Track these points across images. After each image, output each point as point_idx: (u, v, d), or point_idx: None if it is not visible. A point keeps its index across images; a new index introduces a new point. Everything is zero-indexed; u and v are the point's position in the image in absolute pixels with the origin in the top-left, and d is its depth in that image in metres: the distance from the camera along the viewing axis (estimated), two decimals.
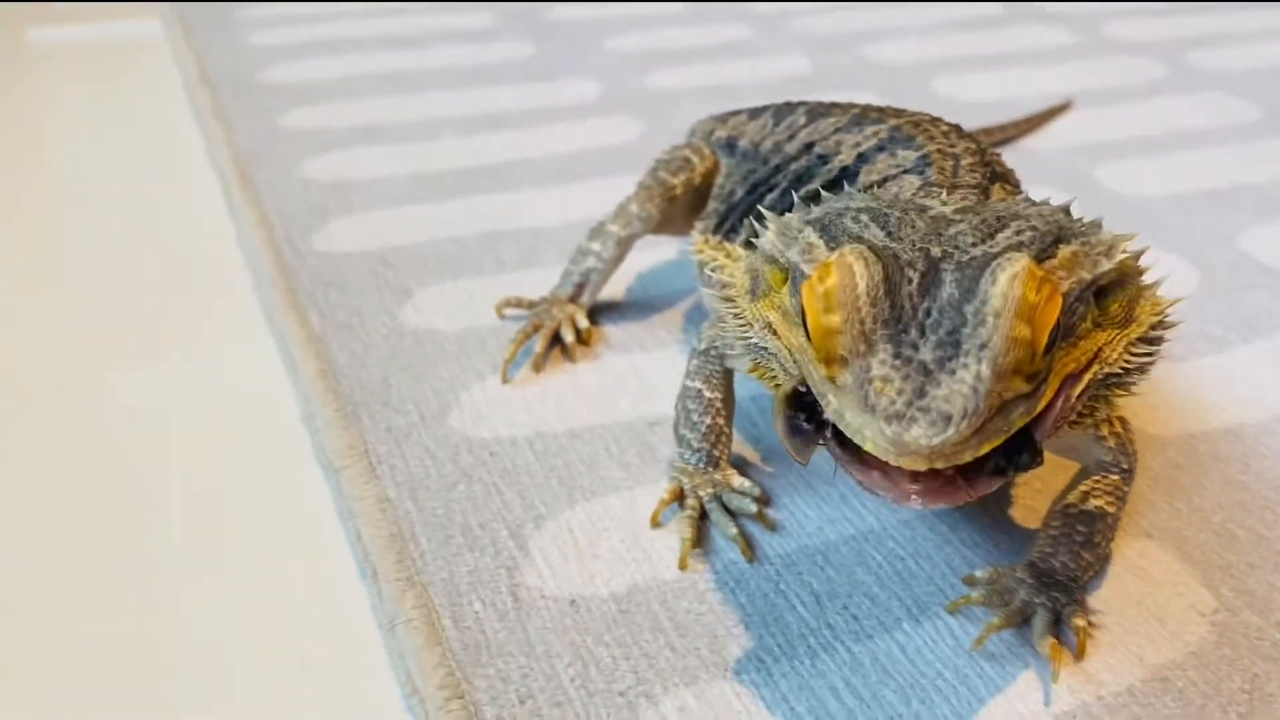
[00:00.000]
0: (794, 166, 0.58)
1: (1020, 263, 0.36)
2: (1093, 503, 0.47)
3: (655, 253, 0.75)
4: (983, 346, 0.34)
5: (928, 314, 0.35)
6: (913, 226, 0.39)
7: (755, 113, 0.67)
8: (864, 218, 0.40)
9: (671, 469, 0.54)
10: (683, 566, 0.49)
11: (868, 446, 0.35)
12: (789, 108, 0.64)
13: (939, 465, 0.34)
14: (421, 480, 0.54)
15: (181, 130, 0.99)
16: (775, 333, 0.41)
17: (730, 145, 0.66)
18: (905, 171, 0.50)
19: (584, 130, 0.97)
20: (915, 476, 0.36)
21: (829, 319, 0.36)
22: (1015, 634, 0.46)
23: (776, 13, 1.33)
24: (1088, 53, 1.20)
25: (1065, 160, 0.93)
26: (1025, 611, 0.46)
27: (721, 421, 0.53)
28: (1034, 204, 0.43)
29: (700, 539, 0.51)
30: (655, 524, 0.51)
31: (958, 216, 0.40)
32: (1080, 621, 0.45)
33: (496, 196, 0.85)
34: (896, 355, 0.35)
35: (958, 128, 0.55)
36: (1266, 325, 0.69)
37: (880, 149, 0.53)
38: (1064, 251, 0.38)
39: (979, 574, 0.48)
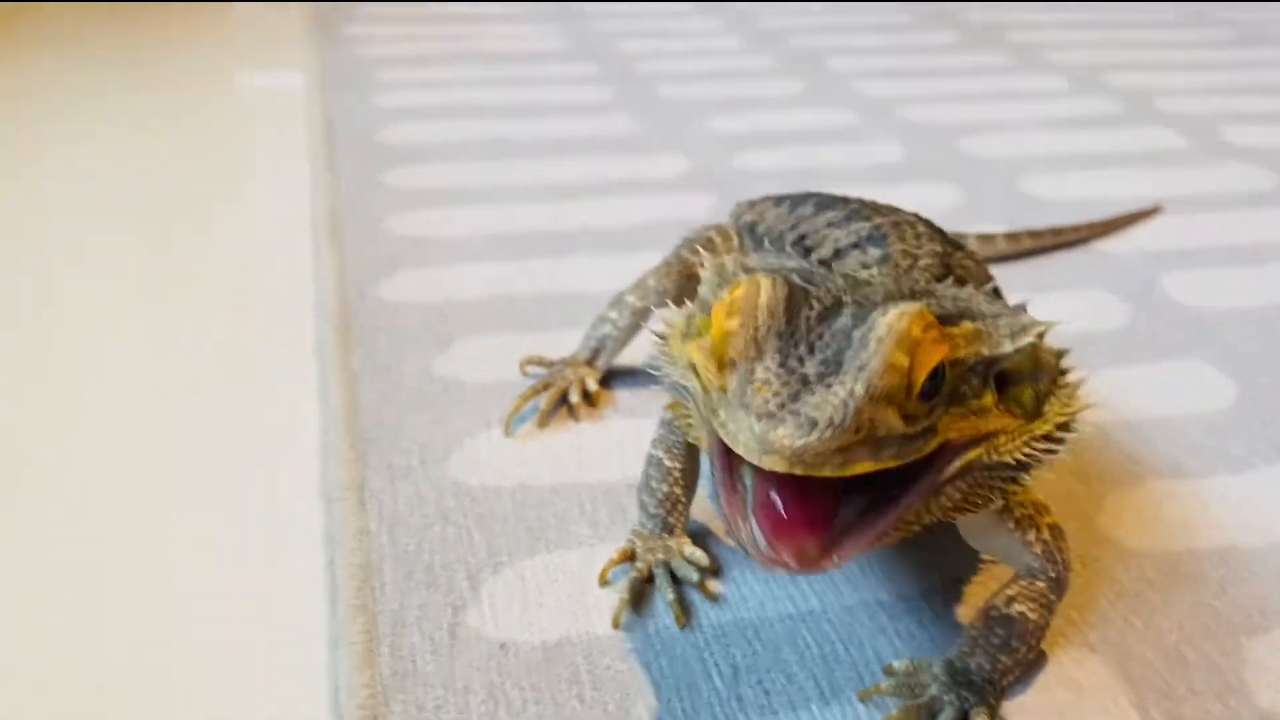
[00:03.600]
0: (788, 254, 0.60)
1: (914, 306, 0.38)
2: (1015, 608, 0.48)
3: None
4: (861, 368, 0.37)
5: (819, 336, 0.38)
6: (833, 282, 0.42)
7: (780, 200, 0.69)
8: (791, 265, 0.42)
9: (630, 531, 0.56)
10: (615, 624, 0.51)
11: (738, 448, 0.37)
12: (805, 198, 0.66)
13: (798, 471, 0.36)
14: (404, 517, 0.58)
15: (297, 176, 1.08)
16: (695, 372, 0.44)
17: (751, 229, 0.69)
18: (865, 268, 0.52)
19: (660, 203, 1.02)
20: (778, 522, 0.38)
21: (728, 323, 0.39)
22: None
23: (884, 100, 1.35)
24: (1197, 158, 1.18)
25: (1134, 265, 0.91)
26: (932, 707, 0.46)
27: (679, 490, 0.55)
28: (959, 290, 0.44)
29: (641, 601, 0.53)
30: (604, 582, 0.54)
31: (876, 281, 0.42)
32: None
33: (558, 260, 0.89)
34: (782, 364, 0.38)
35: (941, 234, 0.56)
36: None
37: (854, 246, 0.55)
38: (965, 325, 0.41)
39: (897, 665, 0.49)
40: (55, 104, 1.32)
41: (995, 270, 0.84)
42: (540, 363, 0.71)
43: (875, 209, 0.60)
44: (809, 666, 0.50)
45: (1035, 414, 0.43)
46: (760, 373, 0.38)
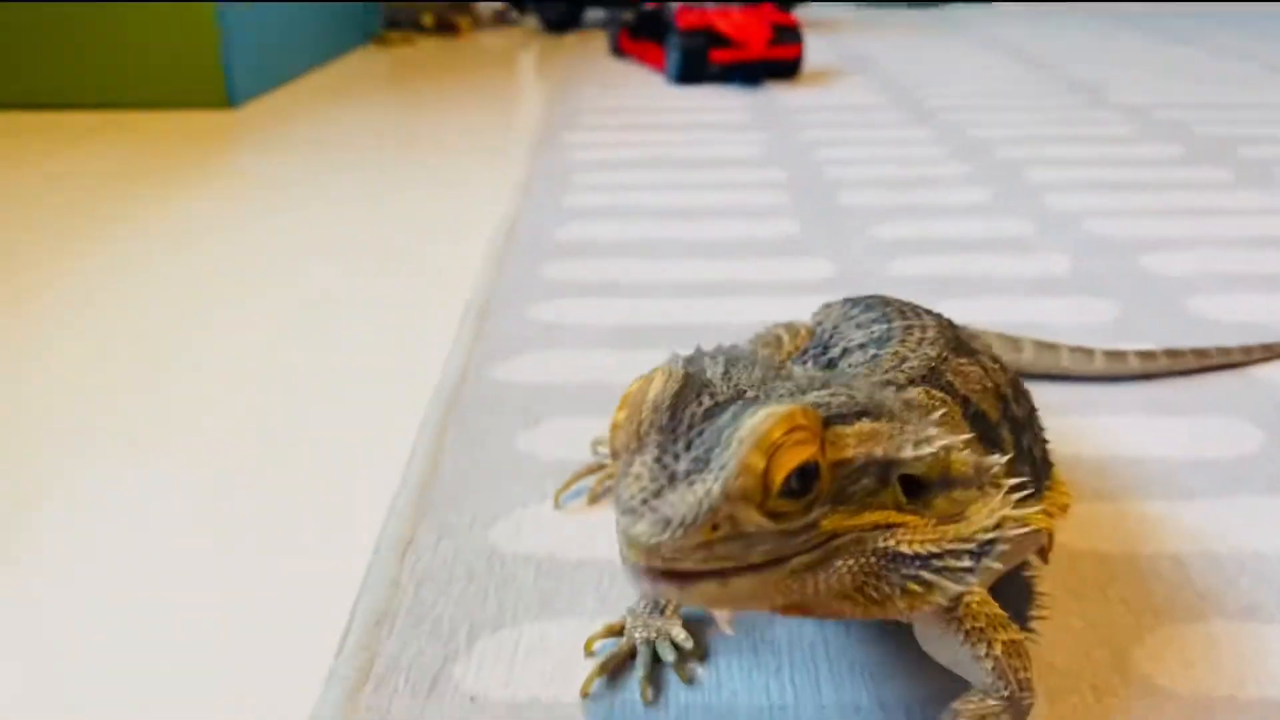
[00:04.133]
0: (812, 352, 0.61)
1: (782, 406, 0.39)
2: None
3: None
4: (722, 467, 0.38)
5: (700, 433, 0.40)
6: (751, 375, 0.43)
7: (851, 301, 0.70)
8: (722, 359, 0.44)
9: (627, 608, 0.58)
10: (583, 693, 0.53)
11: (617, 535, 0.39)
12: (869, 300, 0.67)
13: (658, 565, 0.38)
14: (435, 573, 0.63)
15: (470, 266, 1.18)
16: None
17: (820, 326, 0.70)
18: (851, 367, 0.53)
19: (789, 305, 1.03)
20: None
21: (617, 415, 0.41)
22: None
23: (1070, 212, 1.31)
24: None
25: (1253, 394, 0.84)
26: None
27: None
28: (889, 389, 0.44)
29: (618, 675, 0.55)
30: (589, 651, 0.56)
31: (797, 377, 0.43)
32: None
33: (667, 352, 0.93)
34: (658, 460, 0.40)
35: (953, 341, 0.56)
36: None
37: (861, 346, 0.56)
38: (862, 424, 0.41)
39: None
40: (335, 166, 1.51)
41: (1132, 387, 0.81)
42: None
43: (909, 313, 0.60)
44: None
45: (956, 518, 0.42)
46: (637, 466, 0.40)
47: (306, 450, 0.80)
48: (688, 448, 0.39)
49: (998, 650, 0.46)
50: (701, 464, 0.39)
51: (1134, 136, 1.72)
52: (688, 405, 0.41)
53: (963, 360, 0.54)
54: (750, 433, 0.38)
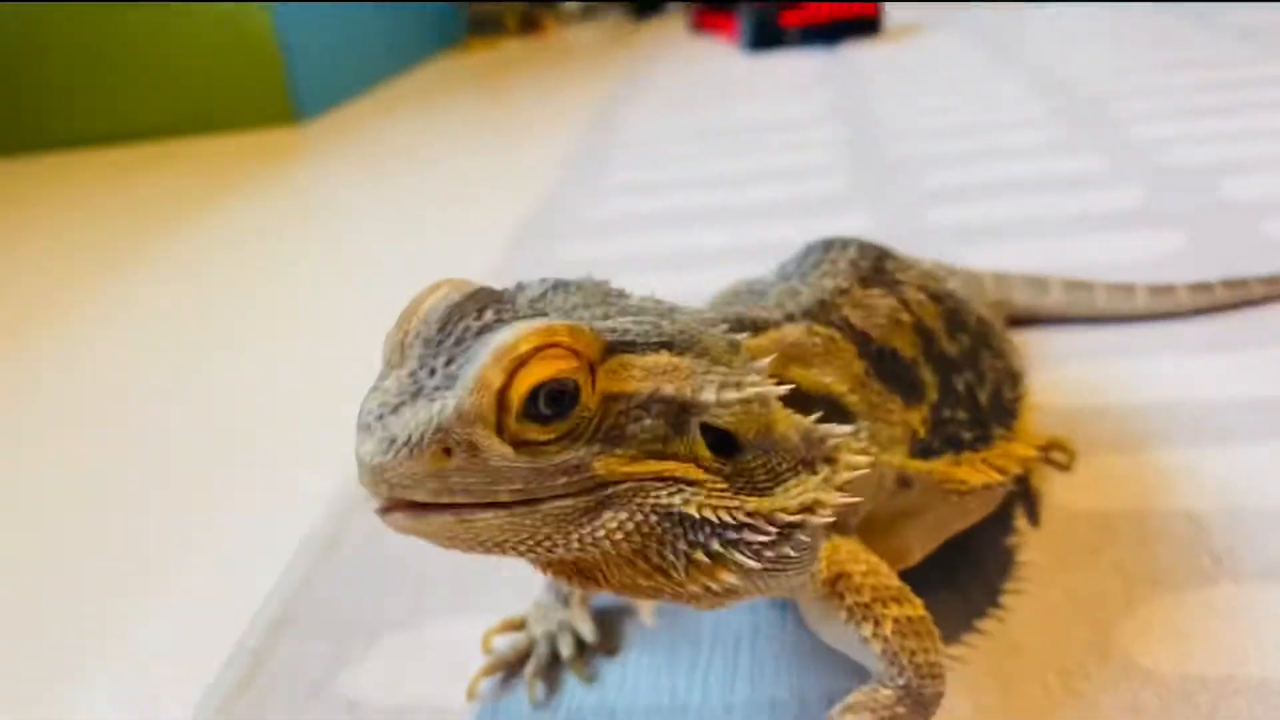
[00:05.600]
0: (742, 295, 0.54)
1: (539, 321, 0.33)
2: (847, 717, 0.39)
3: None
4: (462, 384, 0.32)
5: (466, 349, 0.34)
6: (569, 299, 0.37)
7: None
8: (551, 284, 0.38)
9: (532, 601, 0.53)
10: (469, 695, 0.48)
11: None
12: (816, 243, 0.60)
13: (383, 493, 0.32)
14: (352, 572, 0.59)
15: (497, 242, 1.14)
16: None
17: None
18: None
19: None
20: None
21: (390, 326, 0.36)
22: None
23: (1144, 143, 1.18)
24: None
25: None
26: None
27: None
28: (718, 327, 0.38)
29: (513, 673, 0.49)
30: (486, 649, 0.51)
31: (619, 305, 0.37)
32: None
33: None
34: (412, 374, 0.34)
35: (862, 271, 0.48)
36: None
37: (774, 285, 0.49)
38: (659, 356, 0.35)
39: None
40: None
41: (1180, 325, 0.71)
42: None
43: (836, 248, 0.52)
44: None
45: (768, 489, 0.35)
46: (390, 380, 0.34)
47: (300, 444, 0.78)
48: (448, 363, 0.33)
49: (887, 629, 0.38)
50: (451, 380, 0.33)
51: (1243, 59, 1.55)
52: (463, 319, 0.34)
53: (873, 292, 0.46)
54: (496, 345, 0.32)
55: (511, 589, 0.55)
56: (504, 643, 0.51)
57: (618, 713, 0.46)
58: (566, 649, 0.49)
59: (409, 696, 0.49)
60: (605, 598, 0.53)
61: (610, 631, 0.51)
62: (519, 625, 0.51)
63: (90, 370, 0.99)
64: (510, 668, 0.49)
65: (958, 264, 0.79)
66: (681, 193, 1.23)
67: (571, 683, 0.49)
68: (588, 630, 0.50)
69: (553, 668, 0.49)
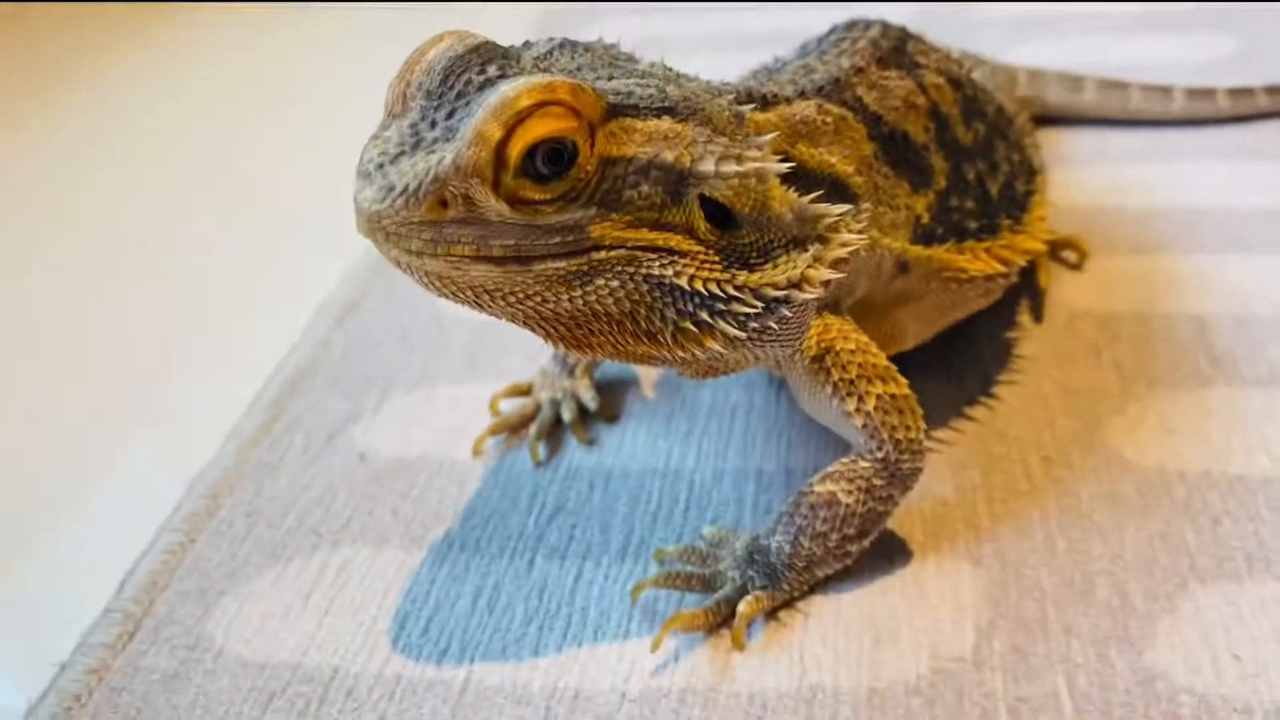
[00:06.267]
0: (760, 72, 0.53)
1: (541, 77, 0.33)
2: (825, 486, 0.40)
3: None
4: (461, 137, 0.33)
5: (467, 103, 0.34)
6: (576, 59, 0.37)
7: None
8: (560, 42, 0.38)
9: (538, 369, 0.54)
10: (475, 451, 0.50)
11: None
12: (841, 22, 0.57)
13: (379, 239, 0.33)
14: (370, 334, 0.60)
15: None
16: None
17: None
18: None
19: None
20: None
21: (393, 77, 0.36)
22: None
23: None
24: None
25: None
26: (712, 582, 0.41)
27: None
28: (724, 97, 0.37)
29: (517, 434, 0.51)
30: (494, 410, 0.53)
31: (626, 68, 0.37)
32: (747, 609, 0.40)
33: None
34: (413, 124, 0.34)
35: (882, 50, 0.47)
36: None
37: (793, 61, 0.48)
38: (660, 122, 0.35)
39: (706, 530, 0.43)
40: None
41: (1218, 130, 0.69)
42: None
43: (858, 27, 0.50)
44: (631, 521, 0.46)
45: (758, 264, 0.36)
46: (391, 129, 0.34)
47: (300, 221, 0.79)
48: (449, 116, 0.33)
49: (870, 405, 0.40)
50: (452, 133, 0.33)
51: None
52: (466, 71, 0.34)
53: (889, 74, 0.45)
54: (496, 99, 0.32)
55: (519, 356, 0.57)
56: (510, 405, 0.53)
57: (614, 474, 0.49)
58: (568, 414, 0.51)
59: (418, 451, 0.51)
60: (609, 369, 0.54)
61: (611, 400, 0.53)
62: (525, 390, 0.53)
63: (121, 142, 0.99)
64: (514, 429, 0.51)
65: (998, 59, 0.77)
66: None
67: (572, 445, 0.51)
68: (589, 397, 0.51)
69: (555, 431, 0.51)
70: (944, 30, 0.91)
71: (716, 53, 0.95)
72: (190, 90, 1.07)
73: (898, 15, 0.97)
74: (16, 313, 0.71)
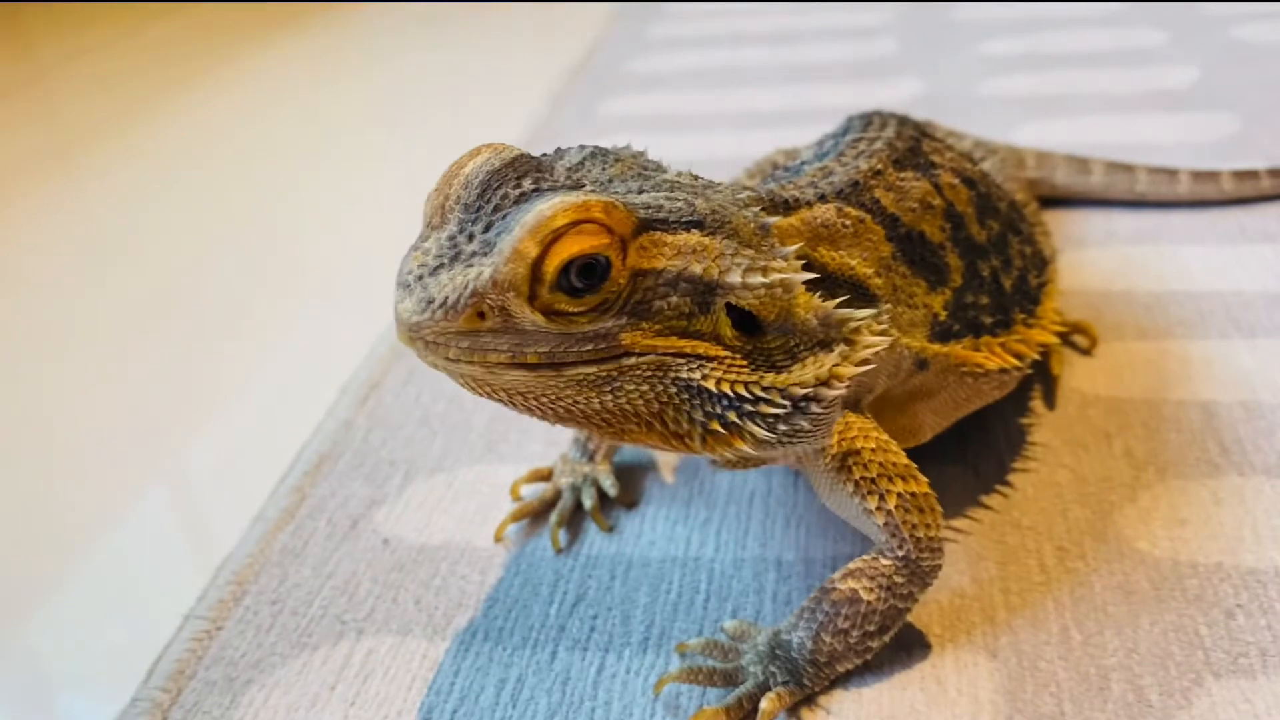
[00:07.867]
0: (780, 171, 0.55)
1: (576, 195, 0.34)
2: (847, 584, 0.41)
3: None
4: (499, 252, 0.34)
5: (504, 217, 0.35)
6: (607, 169, 0.38)
7: (848, 118, 0.63)
8: (590, 152, 0.39)
9: (560, 455, 0.55)
10: (496, 538, 0.51)
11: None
12: (856, 117, 0.59)
13: (419, 351, 0.35)
14: (392, 416, 0.61)
15: (537, 95, 1.13)
16: None
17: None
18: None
19: None
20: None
21: (431, 189, 0.37)
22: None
23: (1211, 19, 1.14)
24: None
25: None
26: (734, 676, 0.42)
27: None
28: (750, 208, 0.39)
29: (537, 521, 0.52)
30: (515, 496, 0.53)
31: (655, 179, 0.38)
32: (770, 705, 0.40)
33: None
34: (451, 237, 0.36)
35: (899, 152, 0.48)
36: None
37: (810, 161, 0.49)
38: (689, 235, 0.36)
39: (728, 625, 0.44)
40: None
41: (1222, 212, 0.71)
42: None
43: (875, 125, 0.52)
44: (653, 612, 0.46)
45: (784, 367, 0.37)
46: (431, 241, 0.36)
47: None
48: (486, 229, 0.35)
49: (891, 503, 0.40)
50: (489, 247, 0.34)
51: None
52: (502, 186, 0.36)
53: (906, 175, 0.47)
54: (532, 217, 0.34)
55: (540, 440, 0.58)
56: (531, 491, 0.54)
57: (634, 562, 0.49)
58: (589, 500, 0.52)
59: (440, 537, 0.52)
60: (628, 453, 0.55)
61: (631, 486, 0.54)
62: (546, 476, 0.54)
63: (140, 213, 1.01)
64: (535, 515, 0.52)
65: (1005, 137, 0.79)
66: (727, 50, 1.21)
67: (592, 531, 0.51)
68: (610, 484, 0.52)
69: (575, 517, 0.52)
70: (952, 108, 0.93)
71: (721, 132, 0.97)
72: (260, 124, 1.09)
73: (909, 92, 1.00)
74: (39, 397, 0.72)
